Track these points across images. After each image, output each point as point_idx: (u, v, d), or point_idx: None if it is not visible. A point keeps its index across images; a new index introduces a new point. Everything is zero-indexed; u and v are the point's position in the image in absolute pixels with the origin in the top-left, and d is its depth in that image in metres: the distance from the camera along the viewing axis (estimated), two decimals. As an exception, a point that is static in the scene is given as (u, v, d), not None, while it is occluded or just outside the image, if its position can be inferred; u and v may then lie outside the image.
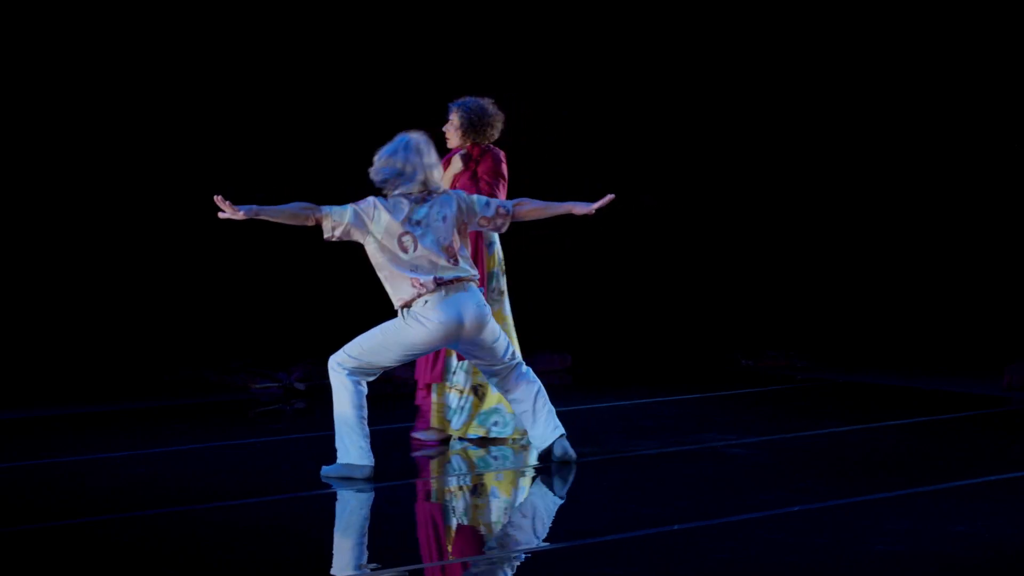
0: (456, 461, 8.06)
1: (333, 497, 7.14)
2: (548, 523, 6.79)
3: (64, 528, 6.48)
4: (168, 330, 11.17)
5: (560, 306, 12.46)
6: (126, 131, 11.11)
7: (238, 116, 11.37)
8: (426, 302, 7.15)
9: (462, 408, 8.28)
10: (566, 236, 12.20)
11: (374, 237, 7.14)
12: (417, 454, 8.15)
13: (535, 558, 6.05)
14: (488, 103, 8.31)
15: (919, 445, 8.55)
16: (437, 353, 8.11)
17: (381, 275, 7.24)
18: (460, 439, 8.29)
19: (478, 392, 8.28)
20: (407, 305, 7.19)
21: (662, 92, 12.66)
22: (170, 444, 8.52)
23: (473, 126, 8.26)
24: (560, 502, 7.16)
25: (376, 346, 7.29)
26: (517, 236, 8.40)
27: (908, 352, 12.07)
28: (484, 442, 8.28)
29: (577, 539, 6.27)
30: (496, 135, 8.33)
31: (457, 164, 8.28)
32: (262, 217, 7.09)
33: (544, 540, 6.44)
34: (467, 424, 8.30)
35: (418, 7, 11.95)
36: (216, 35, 11.25)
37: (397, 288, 7.19)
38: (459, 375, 8.28)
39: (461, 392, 8.28)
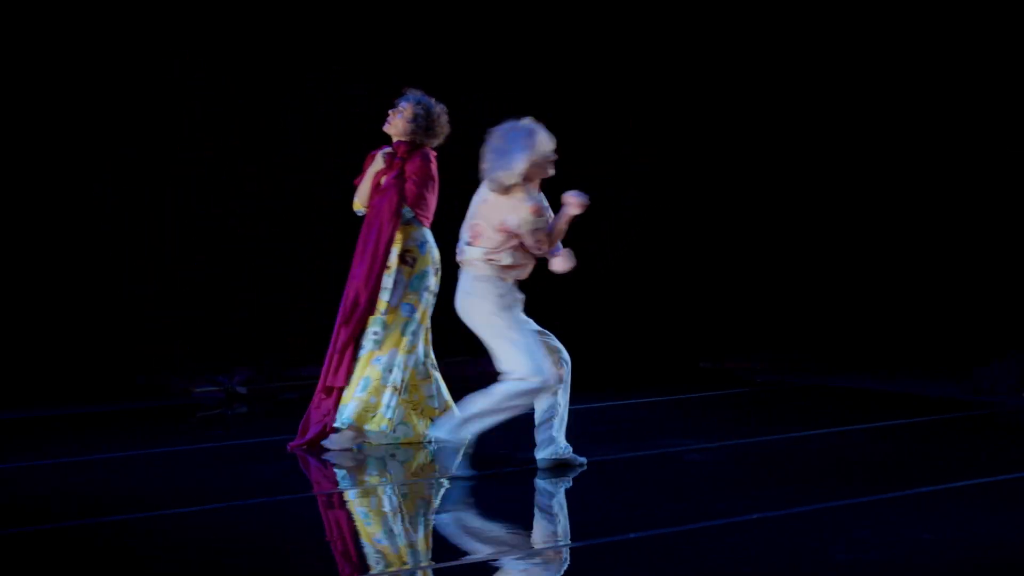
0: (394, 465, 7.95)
1: (281, 505, 6.98)
2: (507, 530, 6.67)
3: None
4: (104, 331, 10.95)
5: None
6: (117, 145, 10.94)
7: (223, 124, 11.25)
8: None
9: (390, 407, 7.97)
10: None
11: None
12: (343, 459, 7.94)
13: (492, 568, 5.97)
14: (443, 110, 8.12)
15: (884, 449, 8.43)
16: (342, 356, 7.98)
17: None
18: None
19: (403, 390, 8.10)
20: None
21: (635, 95, 12.55)
22: (111, 450, 8.37)
23: (421, 126, 8.03)
24: (521, 508, 7.05)
25: None
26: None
27: (874, 355, 11.96)
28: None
29: (527, 548, 6.23)
30: (436, 143, 8.12)
31: (379, 162, 8.09)
32: None
33: (507, 545, 6.39)
34: (391, 423, 8.03)
35: (426, 14, 11.80)
36: (217, 35, 11.08)
37: None
38: (395, 372, 8.00)
39: (396, 390, 7.97)
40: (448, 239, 7.85)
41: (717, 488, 7.22)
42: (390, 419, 7.96)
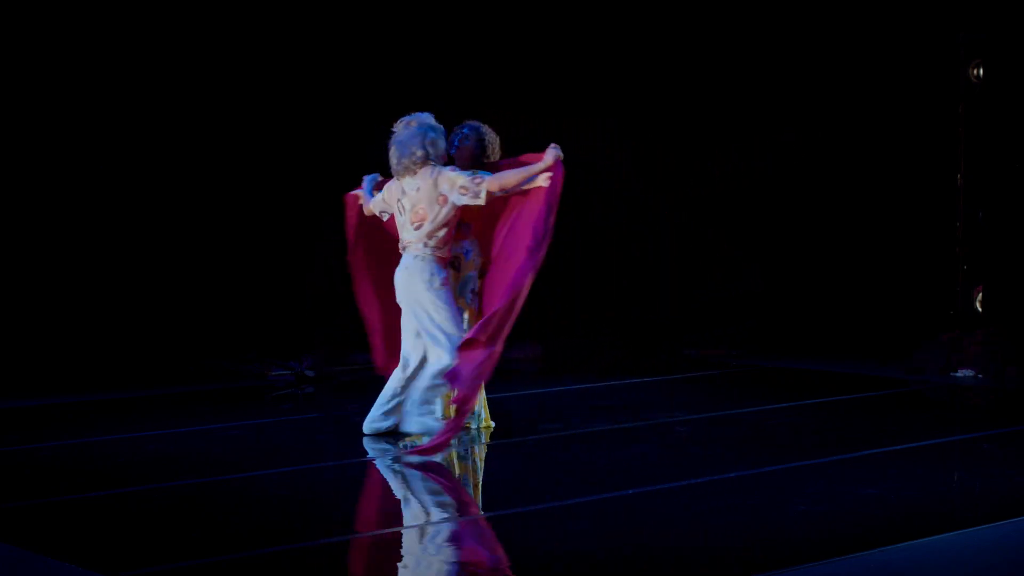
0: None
1: (339, 469, 7.10)
2: (516, 489, 6.83)
3: (105, 498, 6.44)
4: (191, 324, 10.70)
5: (531, 303, 12.20)
6: (153, 137, 10.52)
7: (256, 111, 10.86)
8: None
9: None
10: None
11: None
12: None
13: (509, 519, 6.13)
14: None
15: (835, 420, 8.57)
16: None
17: None
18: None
19: None
20: None
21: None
22: (197, 424, 8.40)
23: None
24: (527, 471, 7.19)
25: None
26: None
27: (826, 340, 11.85)
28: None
29: (540, 503, 6.33)
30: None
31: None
32: None
33: (512, 505, 6.46)
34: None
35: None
36: (219, 33, 10.64)
37: None
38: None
39: None
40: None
41: (703, 452, 7.44)
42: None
